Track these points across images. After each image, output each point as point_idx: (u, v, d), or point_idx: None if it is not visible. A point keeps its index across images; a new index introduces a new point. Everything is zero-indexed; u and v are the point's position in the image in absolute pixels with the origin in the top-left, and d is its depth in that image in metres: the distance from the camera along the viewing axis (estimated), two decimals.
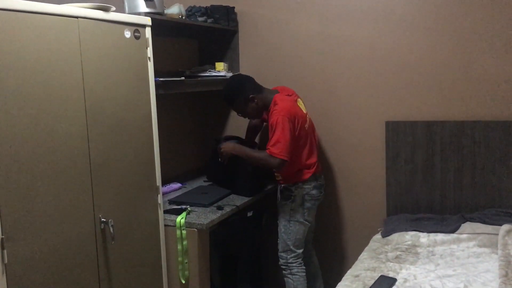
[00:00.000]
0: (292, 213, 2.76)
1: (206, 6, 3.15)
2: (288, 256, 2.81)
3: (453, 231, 2.65)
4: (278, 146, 2.55)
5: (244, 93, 2.76)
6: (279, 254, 2.85)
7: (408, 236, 2.66)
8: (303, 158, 2.73)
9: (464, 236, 2.60)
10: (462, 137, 2.87)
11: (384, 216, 3.08)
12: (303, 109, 2.80)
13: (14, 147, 1.75)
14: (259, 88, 2.80)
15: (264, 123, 3.14)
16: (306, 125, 2.74)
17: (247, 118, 2.98)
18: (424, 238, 2.64)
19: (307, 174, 2.74)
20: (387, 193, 3.07)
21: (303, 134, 2.70)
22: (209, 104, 3.59)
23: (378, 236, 2.78)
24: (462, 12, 2.83)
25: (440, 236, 2.62)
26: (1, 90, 1.69)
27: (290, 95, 2.81)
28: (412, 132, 2.97)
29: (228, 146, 2.81)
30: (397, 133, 3.00)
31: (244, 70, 3.40)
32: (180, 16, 2.84)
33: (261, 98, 2.76)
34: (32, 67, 1.81)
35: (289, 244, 2.79)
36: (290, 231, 2.77)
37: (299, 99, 2.85)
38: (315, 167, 2.78)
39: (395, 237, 2.68)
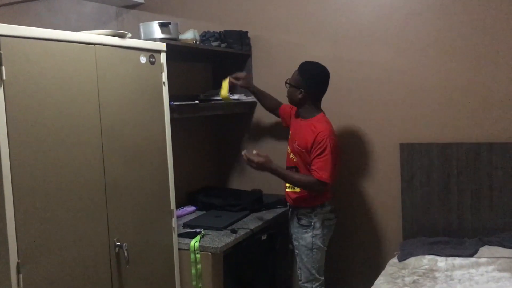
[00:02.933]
0: (314, 240, 2.65)
1: (220, 31, 3.20)
2: (314, 286, 2.70)
3: (471, 255, 2.60)
4: (326, 171, 2.50)
5: (309, 83, 2.64)
6: (302, 285, 2.72)
7: (426, 260, 2.62)
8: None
9: (483, 260, 2.55)
10: (479, 159, 2.83)
11: (401, 239, 3.03)
12: None
13: (30, 171, 1.77)
14: (317, 98, 2.70)
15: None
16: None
17: (287, 93, 2.76)
18: (441, 262, 2.59)
19: (325, 198, 2.68)
20: (403, 216, 3.03)
21: (338, 159, 2.66)
22: (223, 127, 3.61)
23: (394, 260, 2.73)
24: (478, 33, 2.83)
25: (458, 260, 2.57)
26: (19, 116, 1.73)
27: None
28: (428, 154, 2.94)
29: (264, 163, 2.52)
30: (412, 155, 2.97)
31: None
32: (194, 41, 2.89)
33: (308, 106, 2.67)
34: (50, 93, 1.85)
35: (314, 272, 2.68)
36: (314, 259, 2.66)
37: None
38: (331, 190, 2.73)
39: (412, 261, 2.63)
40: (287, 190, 2.77)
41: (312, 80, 2.66)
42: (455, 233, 2.90)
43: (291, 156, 2.75)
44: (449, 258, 2.60)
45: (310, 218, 2.65)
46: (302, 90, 2.64)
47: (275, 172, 2.56)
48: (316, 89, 2.69)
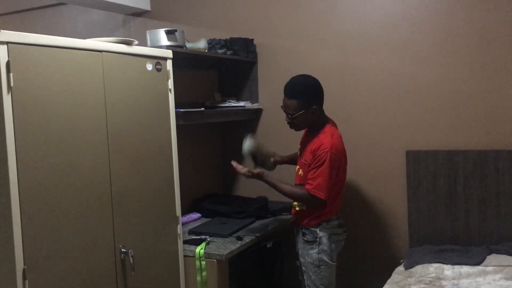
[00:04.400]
0: (320, 257, 2.52)
1: (226, 39, 3.21)
2: None
3: (478, 263, 2.58)
4: (320, 186, 2.41)
5: (314, 98, 2.52)
6: None
7: (432, 268, 2.60)
8: (335, 197, 2.56)
9: (490, 268, 2.52)
10: (486, 166, 2.82)
11: (407, 247, 3.02)
12: None
13: (37, 177, 1.78)
14: (321, 106, 2.60)
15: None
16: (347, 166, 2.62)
17: (288, 125, 2.61)
18: (448, 270, 2.57)
19: (331, 213, 2.56)
20: (409, 223, 3.01)
21: (341, 173, 2.56)
22: (229, 134, 3.61)
23: (400, 268, 2.72)
24: (485, 41, 2.82)
25: (465, 269, 2.56)
26: (26, 122, 1.74)
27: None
28: (434, 162, 2.93)
29: (257, 174, 2.56)
30: (418, 162, 2.96)
31: (263, 100, 3.43)
32: (206, 50, 2.92)
33: (320, 117, 2.56)
34: (58, 99, 1.86)
35: None
36: (323, 276, 2.53)
37: None
38: (338, 205, 2.64)
39: (419, 269, 2.62)
40: (294, 208, 2.67)
41: (313, 92, 2.54)
42: (462, 241, 2.88)
43: (299, 173, 2.61)
44: (456, 266, 2.59)
45: (315, 233, 2.54)
46: (315, 106, 2.50)
47: (266, 182, 2.55)
48: (321, 97, 2.57)
